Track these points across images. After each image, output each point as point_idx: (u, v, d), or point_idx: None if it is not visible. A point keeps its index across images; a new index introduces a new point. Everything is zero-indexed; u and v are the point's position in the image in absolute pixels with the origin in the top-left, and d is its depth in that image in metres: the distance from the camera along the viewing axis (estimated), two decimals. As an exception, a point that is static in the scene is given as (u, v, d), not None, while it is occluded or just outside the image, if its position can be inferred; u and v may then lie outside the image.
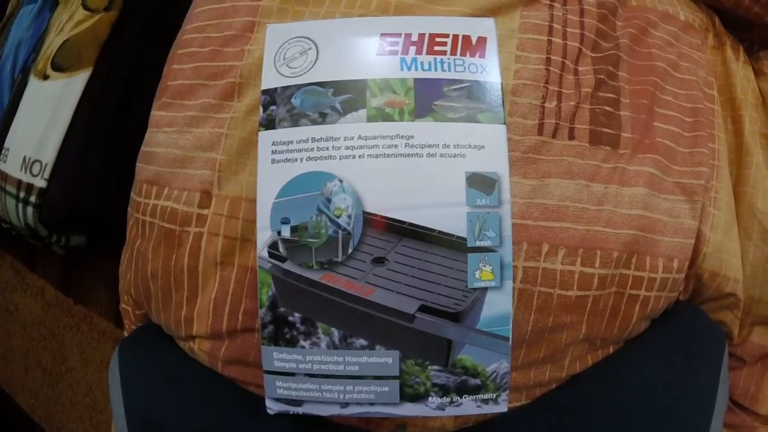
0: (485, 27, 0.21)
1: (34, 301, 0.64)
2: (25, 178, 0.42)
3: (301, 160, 0.20)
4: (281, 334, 0.21)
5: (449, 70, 0.21)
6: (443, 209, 0.20)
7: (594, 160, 0.26)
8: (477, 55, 0.21)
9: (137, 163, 0.30)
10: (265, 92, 0.21)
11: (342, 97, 0.20)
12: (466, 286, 0.20)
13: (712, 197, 0.29)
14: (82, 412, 0.60)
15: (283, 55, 0.21)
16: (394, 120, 0.20)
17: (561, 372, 0.26)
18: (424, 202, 0.20)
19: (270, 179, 0.21)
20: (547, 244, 0.24)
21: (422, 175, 0.20)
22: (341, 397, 0.21)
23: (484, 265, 0.20)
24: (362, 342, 0.20)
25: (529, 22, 0.27)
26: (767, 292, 0.31)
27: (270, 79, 0.21)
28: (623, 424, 0.26)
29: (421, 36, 0.21)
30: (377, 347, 0.20)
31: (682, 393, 0.27)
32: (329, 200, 0.19)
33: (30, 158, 0.41)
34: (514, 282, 0.24)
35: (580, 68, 0.28)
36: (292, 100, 0.21)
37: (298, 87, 0.21)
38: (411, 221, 0.20)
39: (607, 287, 0.25)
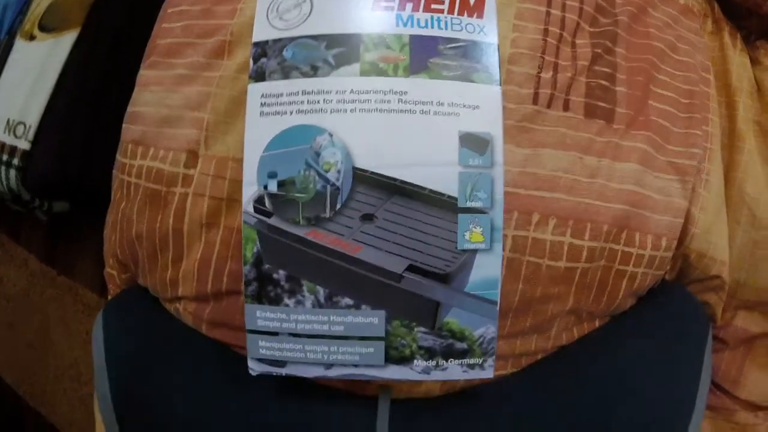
0: None
1: (18, 272, 0.64)
2: (9, 140, 0.41)
3: (291, 113, 0.20)
4: (265, 292, 0.21)
5: (446, 28, 0.20)
6: (435, 168, 0.20)
7: (588, 132, 0.27)
8: (475, 15, 0.21)
9: (123, 124, 0.30)
10: (256, 44, 0.20)
11: (335, 51, 0.20)
12: (456, 248, 0.20)
13: (704, 179, 0.29)
14: (67, 384, 0.60)
15: (277, 8, 0.20)
16: (387, 75, 0.20)
17: (547, 343, 0.27)
18: (415, 160, 0.20)
19: (258, 133, 0.21)
20: (537, 214, 0.25)
21: (415, 132, 0.20)
22: (325, 358, 0.21)
23: (475, 227, 0.20)
24: (348, 301, 0.20)
25: None
26: (753, 276, 0.32)
27: (261, 32, 0.20)
28: (608, 396, 0.26)
29: None
30: (363, 307, 0.20)
31: (667, 369, 0.28)
32: (318, 154, 0.19)
33: (14, 120, 0.40)
34: (503, 250, 0.25)
35: (577, 41, 0.28)
36: (284, 53, 0.20)
37: (291, 39, 0.20)
38: (402, 178, 0.20)
39: (596, 260, 0.26)
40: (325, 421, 0.25)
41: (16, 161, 0.41)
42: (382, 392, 0.24)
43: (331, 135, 0.19)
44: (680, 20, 0.32)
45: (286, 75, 0.20)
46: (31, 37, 0.42)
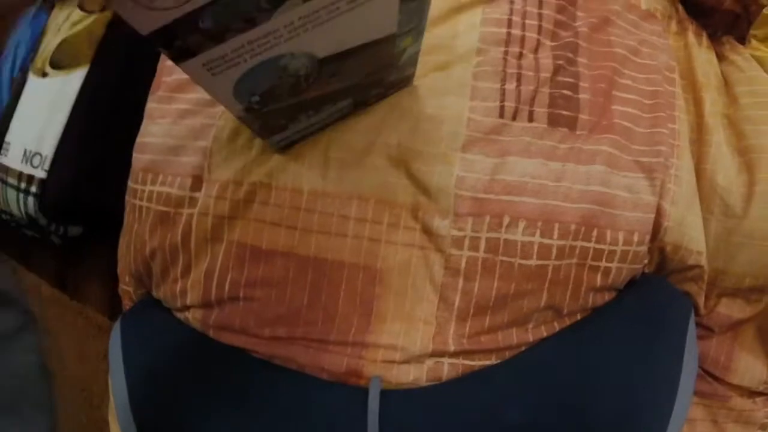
0: None
1: (31, 300, 0.69)
2: (26, 169, 0.45)
3: (244, 60, 0.18)
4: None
5: None
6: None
7: (551, 140, 0.30)
8: None
9: (133, 154, 0.34)
10: (152, 34, 0.15)
11: None
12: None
13: (672, 174, 0.32)
14: (78, 408, 0.64)
15: None
16: None
17: (527, 335, 0.29)
18: (364, 38, 0.21)
19: (218, 85, 0.19)
20: (508, 217, 0.28)
21: (365, 17, 0.20)
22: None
23: (406, 37, 0.24)
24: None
25: (490, 18, 0.31)
26: (731, 264, 0.34)
27: (147, 22, 0.14)
28: (589, 383, 0.29)
29: None
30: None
31: (647, 358, 0.30)
32: (285, 68, 0.20)
33: (30, 151, 0.45)
34: (478, 252, 0.28)
35: (539, 56, 0.31)
36: (201, 24, 0.15)
37: (199, 10, 0.15)
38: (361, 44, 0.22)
39: (566, 258, 0.29)
40: (318, 410, 0.28)
41: (33, 189, 0.45)
42: (373, 381, 0.28)
43: (292, 54, 0.19)
44: (642, 25, 0.35)
45: (219, 40, 0.17)
46: (44, 74, 0.47)
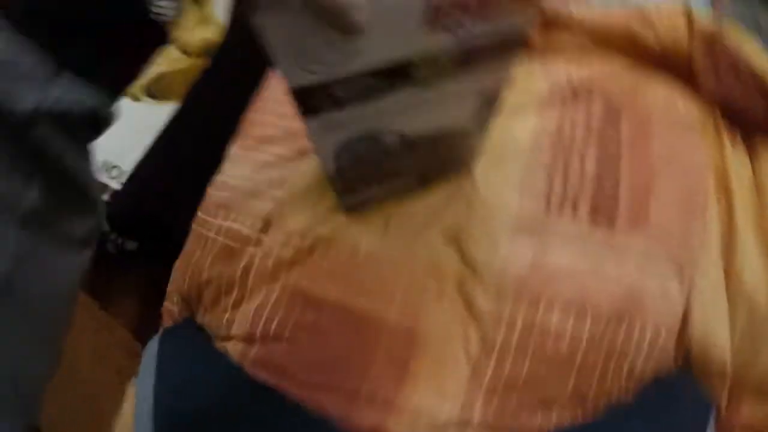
0: None
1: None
2: (103, 178, 0.51)
3: (352, 128, 0.23)
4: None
5: (495, 32, 0.20)
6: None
7: (592, 235, 0.33)
8: (529, 2, 0.20)
9: (210, 188, 0.38)
10: (293, 90, 0.18)
11: (388, 80, 0.20)
12: None
13: (702, 271, 0.34)
14: (83, 417, 0.63)
15: (304, 50, 0.17)
16: (436, 84, 0.22)
17: (550, 419, 0.30)
18: (446, 125, 0.27)
19: (324, 143, 0.23)
20: (545, 301, 0.30)
21: (451, 109, 0.25)
22: None
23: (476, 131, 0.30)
24: None
25: (543, 119, 0.36)
26: (756, 360, 0.34)
27: (295, 78, 0.18)
28: None
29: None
30: None
31: None
32: (381, 140, 0.25)
33: (111, 163, 0.52)
34: (514, 331, 0.30)
35: (585, 157, 0.35)
36: (332, 91, 0.19)
37: (336, 80, 0.18)
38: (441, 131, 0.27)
39: (596, 346, 0.30)
40: None
41: (106, 197, 0.50)
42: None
43: (390, 128, 0.24)
44: (681, 130, 0.39)
45: (341, 107, 0.20)
46: (136, 99, 0.54)
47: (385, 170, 0.29)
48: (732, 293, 0.35)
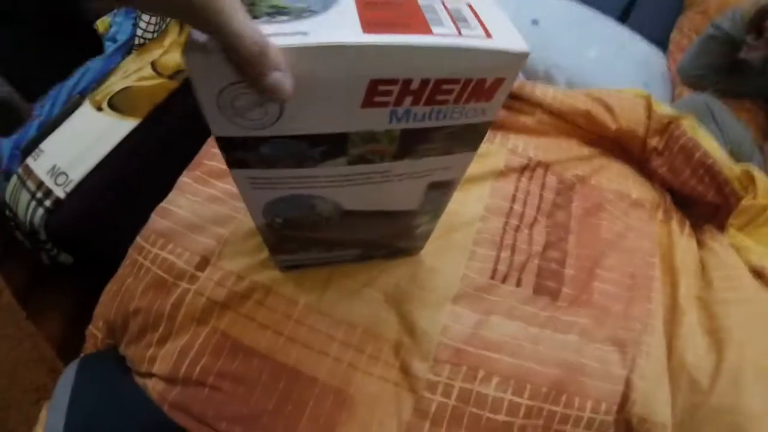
0: (508, 67, 0.17)
1: (-11, 297, 0.66)
2: (49, 182, 0.47)
3: (282, 188, 0.21)
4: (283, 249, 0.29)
5: (445, 118, 0.18)
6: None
7: (534, 307, 0.33)
8: (483, 99, 0.18)
9: (153, 215, 0.36)
10: (219, 139, 0.18)
11: (320, 149, 0.19)
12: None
13: (644, 350, 0.34)
14: None
15: (230, 104, 0.16)
16: (373, 162, 0.20)
17: None
18: (389, 206, 0.25)
19: (253, 198, 0.22)
20: (483, 371, 0.30)
21: (393, 191, 0.23)
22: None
23: (425, 216, 0.27)
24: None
25: (497, 191, 0.36)
26: None
27: (221, 128, 0.17)
28: None
29: (425, 83, 0.16)
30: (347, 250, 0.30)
31: None
32: (313, 207, 0.23)
33: (59, 168, 0.48)
34: (449, 399, 0.30)
35: (534, 231, 0.36)
36: (260, 149, 0.18)
37: (264, 139, 0.17)
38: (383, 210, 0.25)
39: (534, 418, 0.30)
40: None
41: (47, 203, 0.47)
42: None
43: (323, 198, 0.22)
44: (631, 213, 0.40)
45: (270, 166, 0.19)
46: (99, 108, 0.51)
47: (322, 237, 0.28)
48: (674, 373, 0.36)
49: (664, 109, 0.45)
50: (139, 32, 0.56)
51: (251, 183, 0.21)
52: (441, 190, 0.25)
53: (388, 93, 0.17)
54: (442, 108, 0.18)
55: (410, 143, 0.20)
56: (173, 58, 0.54)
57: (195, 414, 0.30)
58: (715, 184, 0.43)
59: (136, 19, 0.57)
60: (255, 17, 0.15)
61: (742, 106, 0.64)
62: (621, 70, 0.64)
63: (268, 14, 0.15)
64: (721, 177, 0.43)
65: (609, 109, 0.43)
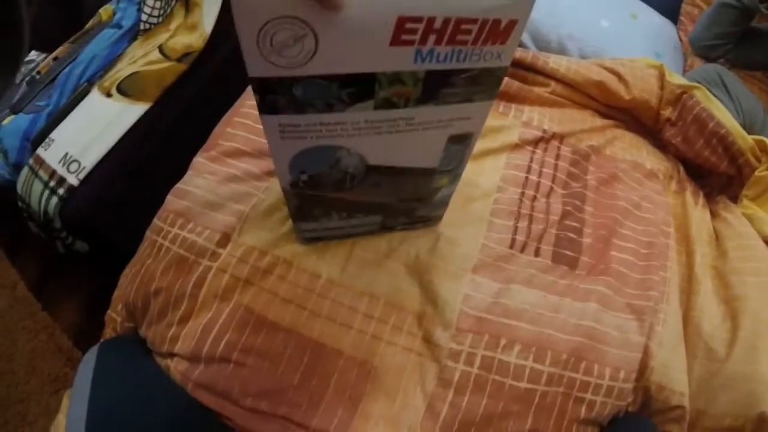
0: (519, 9, 0.18)
1: (2, 292, 0.67)
2: (61, 171, 0.47)
3: (310, 137, 0.22)
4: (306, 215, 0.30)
5: (465, 60, 0.20)
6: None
7: (553, 276, 0.33)
8: (499, 42, 0.20)
9: (169, 196, 0.37)
10: (254, 80, 0.19)
11: (349, 90, 0.20)
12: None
13: (661, 318, 0.35)
14: (10, 418, 0.60)
15: (270, 41, 0.17)
16: (398, 107, 0.21)
17: None
18: (410, 162, 0.26)
19: (282, 150, 0.23)
20: (505, 339, 0.30)
21: (414, 143, 0.24)
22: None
23: (444, 176, 0.27)
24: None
25: (512, 162, 0.37)
26: (712, 405, 0.35)
27: (258, 68, 0.18)
28: None
29: (446, 22, 0.18)
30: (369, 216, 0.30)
31: None
32: (339, 160, 0.24)
33: (71, 156, 0.47)
34: (472, 367, 0.30)
35: (551, 201, 0.36)
36: (293, 91, 0.19)
37: (298, 79, 0.19)
38: (401, 166, 0.26)
39: (555, 385, 0.31)
40: None
41: (61, 191, 0.47)
42: None
43: (348, 150, 0.23)
44: (645, 183, 0.41)
45: (300, 110, 0.20)
46: (108, 94, 0.51)
47: (344, 199, 0.28)
48: (690, 341, 0.36)
49: (677, 79, 0.45)
50: (144, 17, 0.56)
51: (281, 132, 0.22)
52: (460, 145, 0.25)
53: (413, 31, 0.18)
54: (462, 49, 0.20)
55: (433, 86, 0.21)
56: (181, 41, 0.54)
57: (219, 391, 0.30)
58: (729, 154, 0.43)
59: (140, 4, 0.57)
60: None
61: (754, 77, 0.63)
62: (633, 41, 0.64)
63: None
64: (734, 147, 0.43)
65: (622, 79, 0.43)
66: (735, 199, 0.45)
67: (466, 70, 0.21)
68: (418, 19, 0.18)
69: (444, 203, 0.31)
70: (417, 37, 0.18)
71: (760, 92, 0.62)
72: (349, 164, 0.24)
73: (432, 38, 0.19)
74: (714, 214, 0.44)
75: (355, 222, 0.31)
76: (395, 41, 0.18)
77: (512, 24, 0.19)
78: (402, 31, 0.18)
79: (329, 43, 0.18)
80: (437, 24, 0.18)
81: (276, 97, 0.20)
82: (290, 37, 0.17)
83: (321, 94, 0.20)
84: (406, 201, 0.29)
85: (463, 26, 0.18)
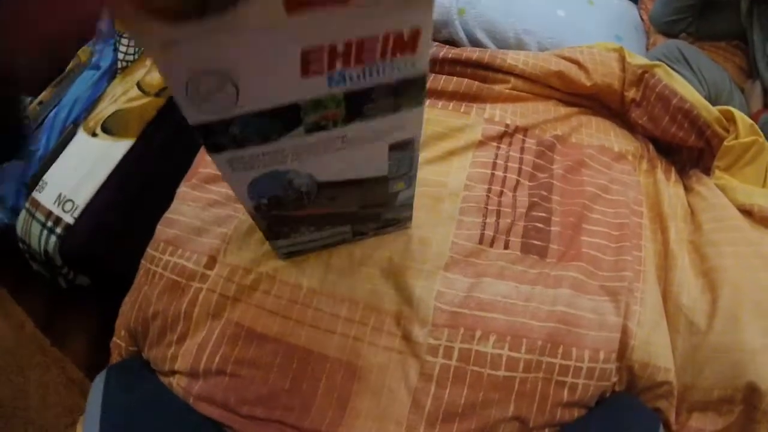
0: (418, 17, 0.19)
1: (11, 331, 0.70)
2: (56, 211, 0.51)
3: (257, 167, 0.25)
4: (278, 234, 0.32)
5: (380, 75, 0.21)
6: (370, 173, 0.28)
7: (523, 266, 0.35)
8: (408, 52, 0.21)
9: (159, 226, 0.39)
10: (193, 126, 0.21)
11: (279, 121, 0.22)
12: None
13: (638, 297, 0.36)
14: None
15: (197, 90, 0.19)
16: (329, 129, 0.23)
17: None
18: (358, 174, 0.28)
19: (236, 180, 0.26)
20: (480, 330, 0.32)
21: (358, 156, 0.26)
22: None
23: (398, 181, 0.29)
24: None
25: (477, 160, 0.38)
26: (699, 378, 0.36)
27: (193, 116, 0.20)
28: None
29: (348, 45, 0.19)
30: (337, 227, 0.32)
31: None
32: (290, 182, 0.26)
33: (65, 196, 0.51)
34: (450, 360, 0.32)
35: (517, 194, 0.38)
36: (230, 130, 0.22)
37: (230, 120, 0.21)
38: (351, 179, 0.28)
39: (533, 371, 0.32)
40: None
41: (59, 230, 0.50)
42: None
43: (296, 171, 0.26)
44: (613, 165, 0.42)
45: (241, 146, 0.23)
46: (94, 134, 0.54)
47: (308, 215, 0.30)
48: (671, 317, 0.37)
49: (637, 59, 0.46)
50: (120, 56, 0.59)
51: (230, 165, 0.24)
52: (405, 151, 0.27)
53: (319, 60, 0.20)
54: (372, 65, 0.21)
55: (356, 104, 0.23)
56: (157, 76, 0.57)
57: (218, 402, 0.33)
58: (696, 128, 0.44)
59: (115, 44, 0.60)
60: None
61: (718, 48, 0.65)
62: (592, 27, 0.65)
63: None
64: (700, 120, 0.44)
65: (582, 66, 0.45)
66: (708, 171, 0.46)
67: (384, 85, 0.22)
68: (320, 48, 0.19)
69: (408, 205, 0.33)
70: (324, 64, 0.20)
71: (725, 62, 0.62)
72: (301, 184, 0.27)
73: (339, 62, 0.20)
74: (688, 189, 0.45)
75: (326, 233, 0.33)
76: (305, 72, 0.20)
77: (416, 33, 0.20)
78: (308, 62, 0.19)
79: (247, 85, 0.20)
80: (340, 48, 0.19)
81: (217, 137, 0.22)
82: (213, 87, 0.19)
83: (254, 129, 0.22)
84: (368, 207, 0.31)
85: (366, 45, 0.20)
